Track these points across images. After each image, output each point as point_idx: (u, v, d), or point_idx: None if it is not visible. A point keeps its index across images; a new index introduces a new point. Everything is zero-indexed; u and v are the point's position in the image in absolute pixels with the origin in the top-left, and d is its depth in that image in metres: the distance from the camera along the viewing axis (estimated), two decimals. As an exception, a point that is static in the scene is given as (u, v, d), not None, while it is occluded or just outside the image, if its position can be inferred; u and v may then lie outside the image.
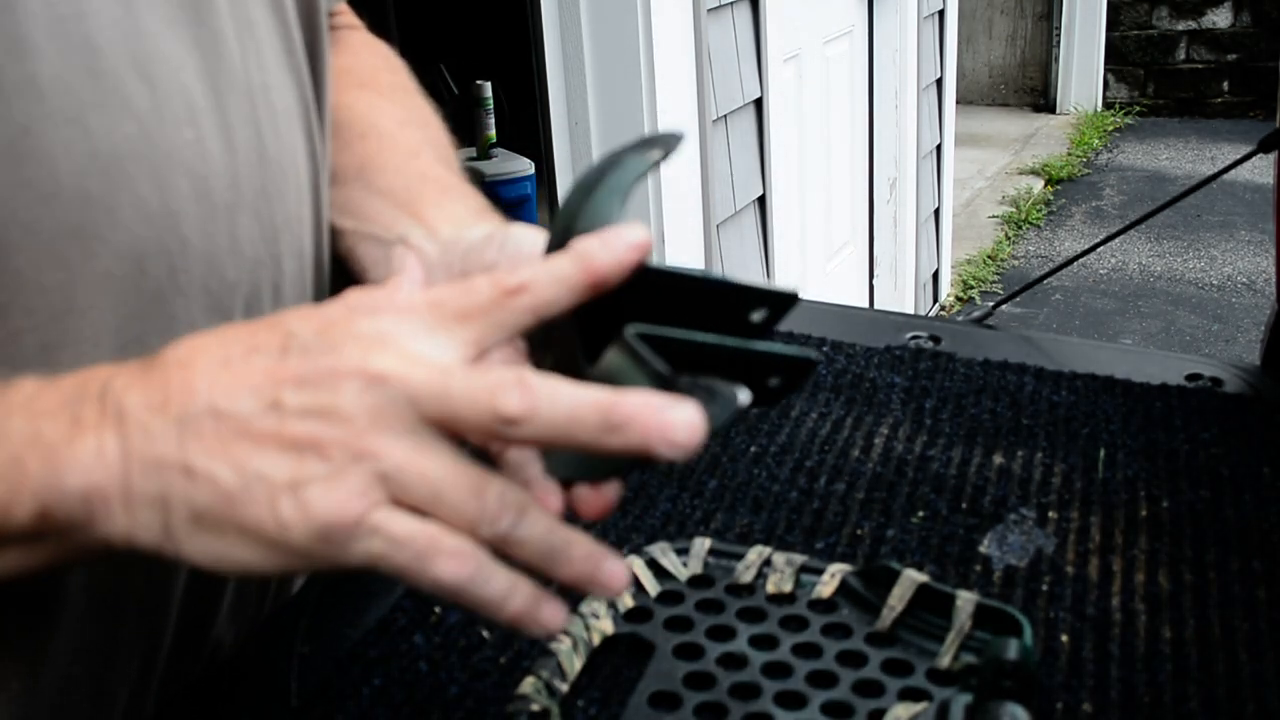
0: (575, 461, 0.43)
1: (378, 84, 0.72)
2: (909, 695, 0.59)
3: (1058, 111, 6.76)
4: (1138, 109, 6.80)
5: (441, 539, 0.39)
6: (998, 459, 0.81)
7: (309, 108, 0.63)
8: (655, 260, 0.45)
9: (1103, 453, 0.81)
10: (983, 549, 0.72)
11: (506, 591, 0.40)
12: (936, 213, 4.00)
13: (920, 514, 0.75)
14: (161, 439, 0.40)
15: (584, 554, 0.41)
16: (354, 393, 0.39)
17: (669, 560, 0.69)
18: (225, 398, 0.39)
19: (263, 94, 0.58)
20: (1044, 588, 0.68)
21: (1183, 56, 6.71)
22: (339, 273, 0.68)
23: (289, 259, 0.61)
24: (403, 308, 0.41)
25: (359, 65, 0.74)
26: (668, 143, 0.49)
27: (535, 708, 0.58)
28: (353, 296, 0.43)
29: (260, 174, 0.58)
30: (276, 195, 0.59)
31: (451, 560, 0.39)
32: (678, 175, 2.26)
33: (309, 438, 0.39)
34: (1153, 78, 6.80)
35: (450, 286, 0.42)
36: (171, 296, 0.53)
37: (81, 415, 0.41)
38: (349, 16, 0.78)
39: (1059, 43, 6.68)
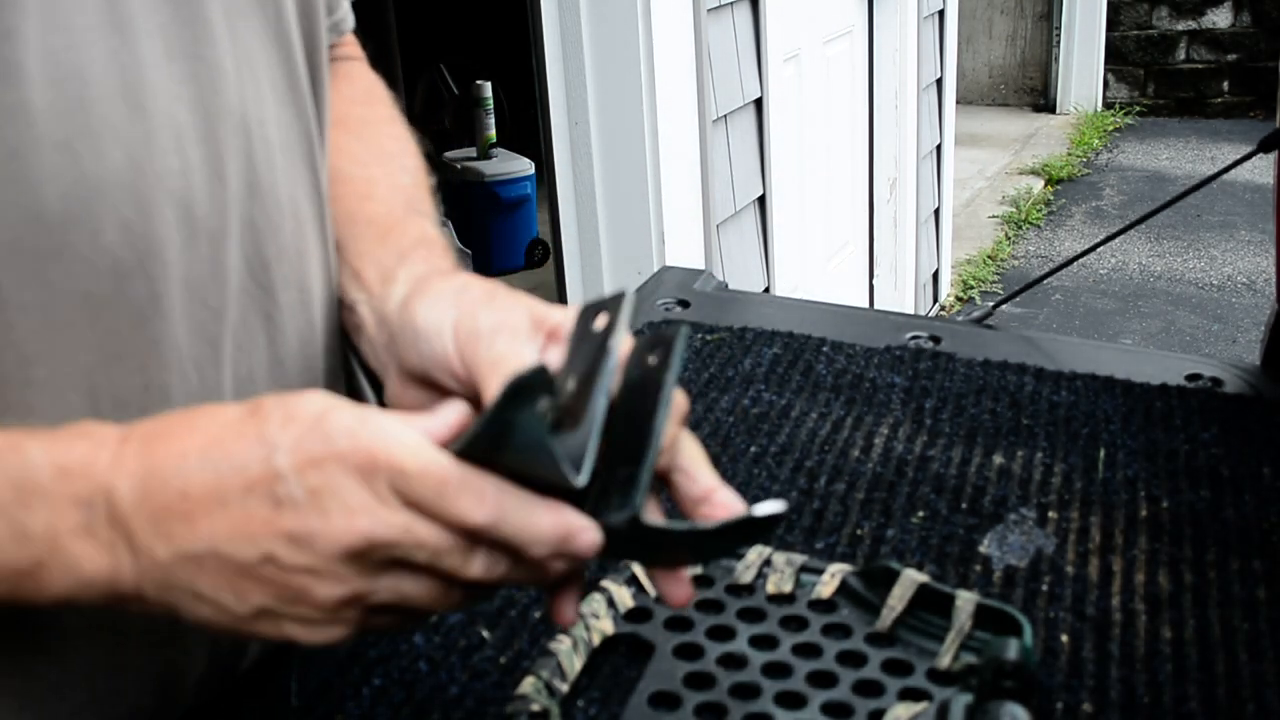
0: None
1: (347, 120, 0.72)
2: (909, 695, 0.59)
3: (1058, 111, 6.76)
4: (1138, 109, 6.80)
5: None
6: (998, 459, 0.81)
7: (313, 143, 0.64)
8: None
9: (1103, 453, 0.81)
10: (983, 549, 0.72)
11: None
12: (936, 213, 4.00)
13: (920, 514, 0.75)
14: (169, 567, 0.46)
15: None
16: (340, 558, 0.45)
17: (669, 560, 0.69)
18: (227, 543, 0.45)
19: (259, 127, 0.59)
20: (1044, 588, 0.68)
21: (1183, 56, 6.71)
22: None
23: (285, 291, 0.61)
24: (381, 469, 0.44)
25: (335, 100, 0.74)
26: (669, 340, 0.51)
27: (535, 708, 0.58)
28: (343, 424, 0.45)
29: (250, 205, 0.58)
30: (268, 227, 0.60)
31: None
32: (678, 175, 2.26)
33: (303, 591, 0.45)
34: (1153, 78, 6.80)
35: (430, 482, 0.45)
36: (153, 318, 0.54)
37: (94, 526, 0.45)
38: (352, 48, 0.78)
39: (1059, 43, 6.68)
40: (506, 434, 0.44)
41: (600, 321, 0.49)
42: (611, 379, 0.47)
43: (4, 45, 0.47)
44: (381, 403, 0.75)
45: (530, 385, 0.43)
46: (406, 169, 0.71)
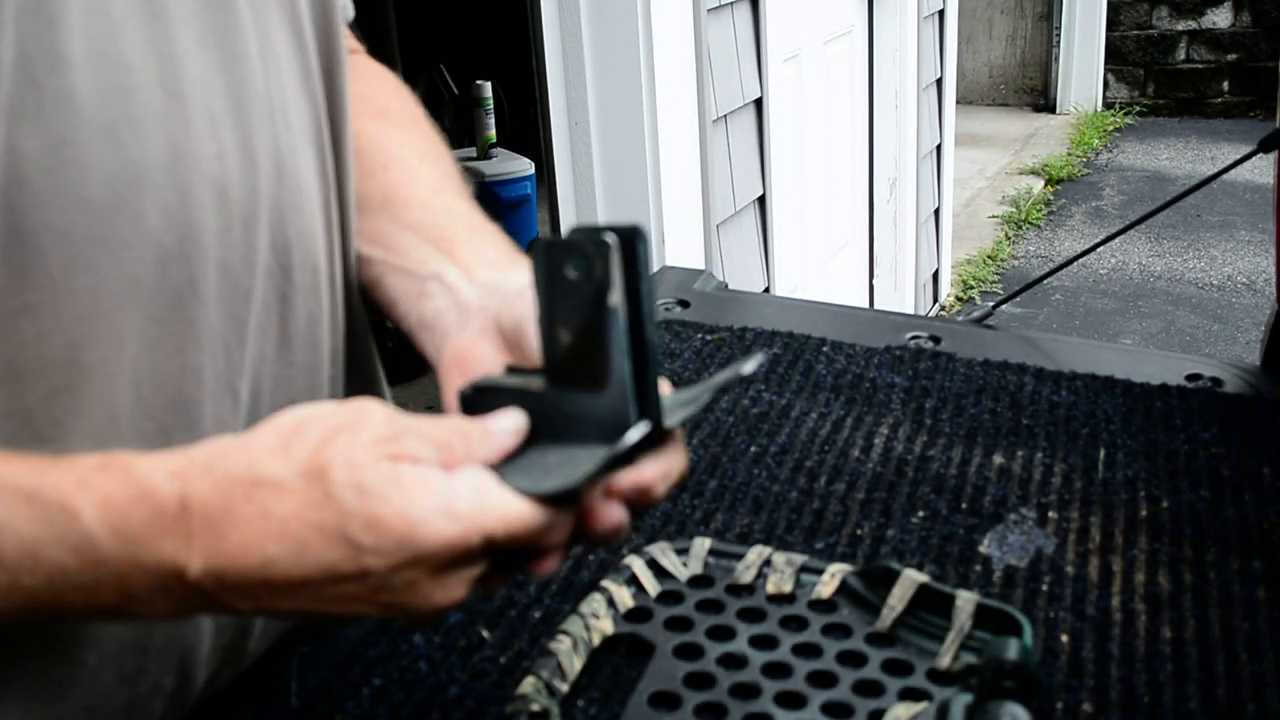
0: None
1: (393, 114, 0.75)
2: (909, 695, 0.59)
3: (1058, 111, 6.76)
4: (1138, 109, 6.80)
5: None
6: (998, 459, 0.81)
7: (321, 129, 0.65)
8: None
9: (1103, 453, 0.81)
10: (983, 549, 0.72)
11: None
12: (936, 213, 4.00)
13: (920, 514, 0.75)
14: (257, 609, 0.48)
15: None
16: (429, 606, 0.48)
17: (669, 560, 0.69)
18: (322, 605, 0.47)
19: (281, 113, 0.61)
20: (1044, 588, 0.68)
21: (1183, 56, 6.71)
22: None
23: (300, 272, 0.63)
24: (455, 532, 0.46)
25: (373, 94, 0.76)
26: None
27: (535, 708, 0.58)
28: (431, 529, 0.46)
29: (277, 188, 0.60)
30: (290, 209, 0.61)
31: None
32: (678, 175, 2.26)
33: (409, 608, 0.48)
34: (1153, 78, 6.80)
35: (520, 540, 0.47)
36: (190, 302, 0.55)
37: (169, 590, 0.46)
38: (352, 41, 0.79)
39: (1059, 43, 6.68)
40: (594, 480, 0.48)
41: (580, 273, 0.47)
42: (623, 339, 0.47)
43: (49, 34, 0.48)
44: (390, 373, 0.77)
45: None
46: (456, 173, 0.73)
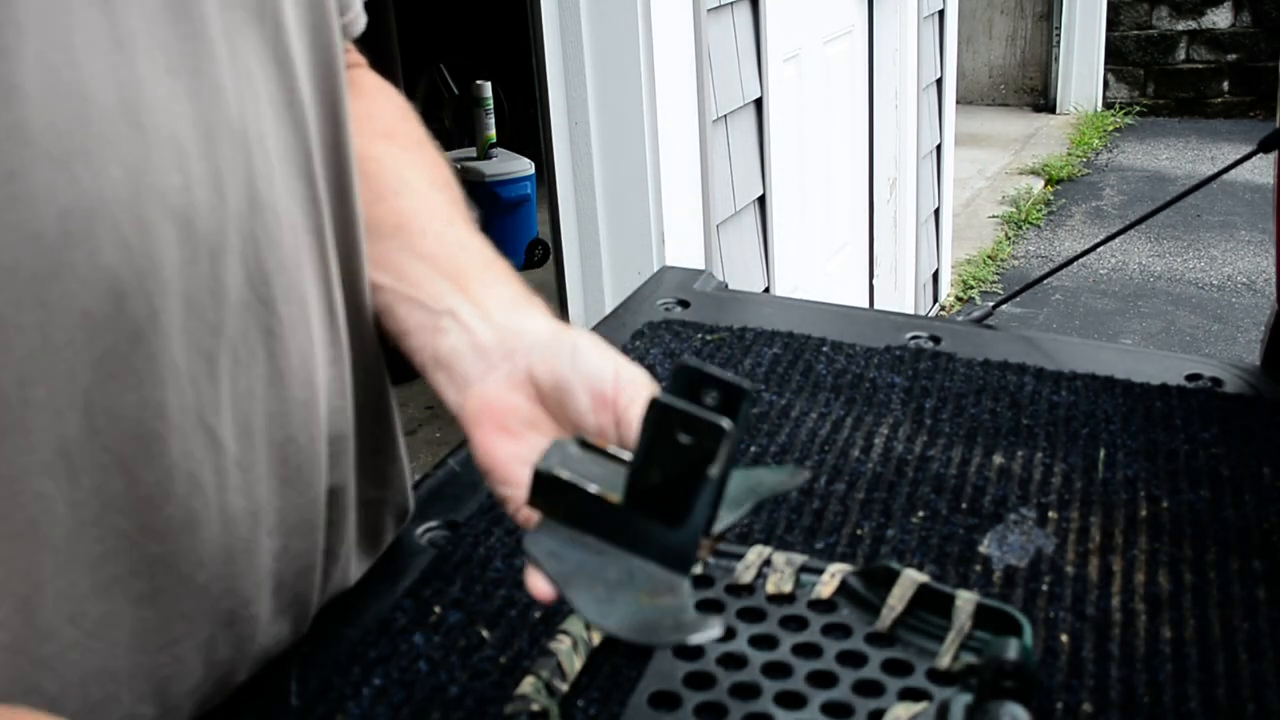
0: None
1: (400, 135, 0.74)
2: (909, 695, 0.59)
3: (1058, 111, 6.76)
4: (1138, 109, 6.80)
5: None
6: (998, 459, 0.81)
7: (311, 155, 0.64)
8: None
9: (1103, 453, 0.81)
10: (983, 549, 0.72)
11: None
12: (936, 213, 4.01)
13: (920, 514, 0.75)
14: None
15: None
16: None
17: (669, 560, 0.69)
18: None
19: (258, 142, 0.59)
20: (1044, 588, 0.68)
21: (1183, 56, 6.71)
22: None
23: (285, 304, 0.61)
24: None
25: (378, 114, 0.75)
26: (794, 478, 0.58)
27: (535, 708, 0.58)
28: None
29: (250, 219, 0.58)
30: (268, 241, 0.60)
31: None
32: (678, 175, 2.26)
33: None
34: (1153, 78, 6.80)
35: None
36: (151, 336, 0.54)
37: None
38: (354, 55, 0.78)
39: (1059, 43, 6.68)
40: None
41: (690, 440, 0.50)
42: (710, 498, 0.51)
43: (1, 65, 0.47)
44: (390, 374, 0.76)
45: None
46: (460, 199, 0.73)
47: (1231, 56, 6.58)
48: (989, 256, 4.73)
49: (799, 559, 0.69)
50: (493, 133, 4.13)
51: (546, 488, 0.53)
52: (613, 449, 0.55)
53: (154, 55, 0.53)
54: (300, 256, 0.63)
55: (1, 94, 0.47)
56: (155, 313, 0.54)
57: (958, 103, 4.40)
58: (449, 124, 4.60)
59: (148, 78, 0.53)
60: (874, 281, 3.49)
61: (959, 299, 4.38)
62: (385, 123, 0.74)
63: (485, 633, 0.66)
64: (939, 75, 3.80)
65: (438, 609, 0.68)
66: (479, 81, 4.11)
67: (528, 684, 0.60)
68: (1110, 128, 6.50)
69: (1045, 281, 4.23)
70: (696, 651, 0.63)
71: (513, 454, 0.59)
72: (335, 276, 0.66)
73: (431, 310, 0.64)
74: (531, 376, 0.60)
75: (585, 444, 0.55)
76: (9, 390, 0.50)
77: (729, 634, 0.64)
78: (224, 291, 0.57)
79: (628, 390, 0.57)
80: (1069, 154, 5.98)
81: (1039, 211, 5.21)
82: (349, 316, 0.67)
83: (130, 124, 0.52)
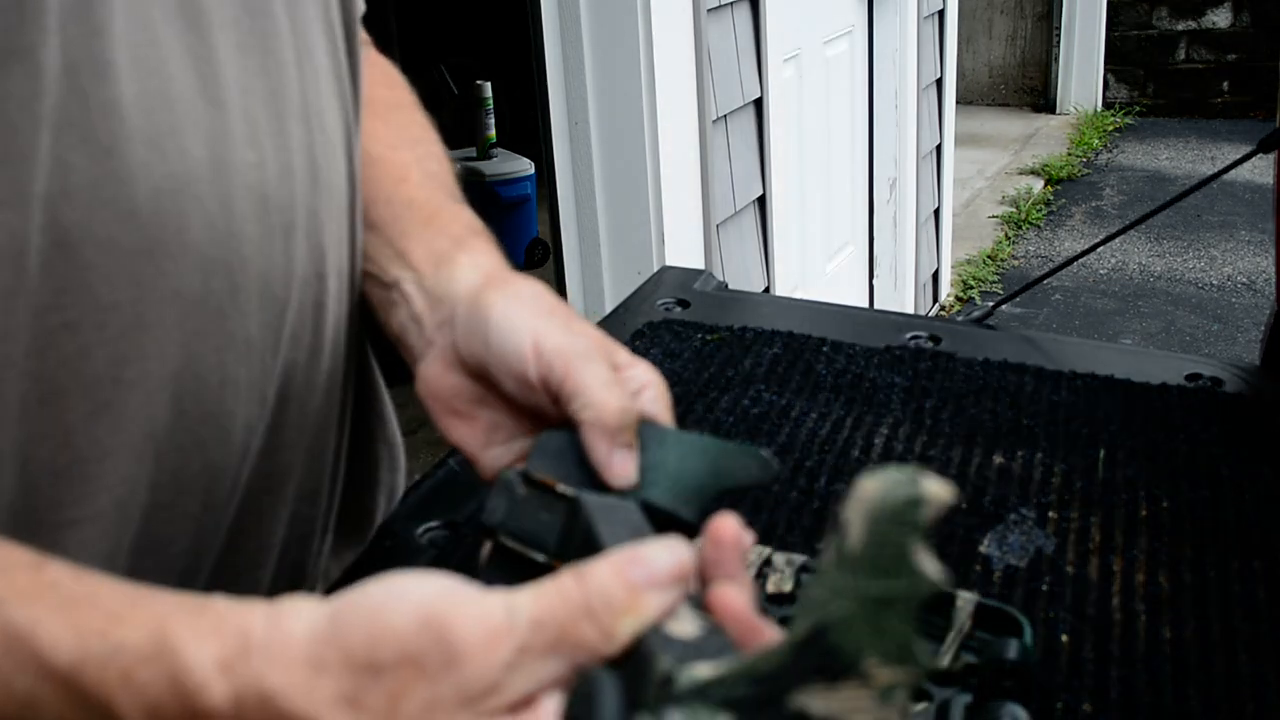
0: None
1: (373, 104, 0.73)
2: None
3: (1058, 111, 6.77)
4: (1138, 109, 6.80)
5: None
6: (998, 459, 0.81)
7: (351, 131, 0.64)
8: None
9: (1103, 453, 0.81)
10: (983, 549, 0.72)
11: None
12: (936, 213, 4.01)
13: (920, 514, 0.75)
14: None
15: None
16: None
17: (669, 560, 0.69)
18: None
19: (317, 118, 0.59)
20: (1044, 588, 0.68)
21: (1183, 56, 6.71)
22: None
23: (333, 278, 0.62)
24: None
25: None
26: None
27: (535, 708, 0.58)
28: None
29: (312, 196, 0.59)
30: (325, 216, 0.60)
31: None
32: (678, 175, 2.26)
33: None
34: (1153, 78, 6.80)
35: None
36: (230, 313, 0.54)
37: None
38: (361, 33, 0.79)
39: (1059, 43, 6.68)
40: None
41: (550, 497, 0.49)
42: (631, 525, 0.49)
43: (95, 42, 0.47)
44: (389, 373, 0.76)
45: None
46: (435, 155, 0.71)
47: (1231, 56, 6.58)
48: (989, 256, 4.73)
49: (799, 559, 0.69)
50: (493, 133, 4.13)
51: (496, 558, 0.50)
52: (561, 487, 0.50)
53: (225, 32, 0.53)
54: (344, 231, 0.63)
55: (98, 70, 0.47)
56: (236, 290, 0.54)
57: (958, 103, 4.40)
58: (449, 124, 4.60)
59: (221, 55, 0.53)
60: (874, 281, 3.49)
61: (959, 299, 4.38)
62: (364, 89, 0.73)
63: (485, 633, 0.66)
64: (939, 75, 3.80)
65: (438, 609, 0.68)
66: (479, 81, 4.11)
67: (528, 684, 0.59)
68: (1110, 128, 6.50)
69: (1045, 281, 4.23)
70: (696, 651, 0.63)
71: (467, 437, 0.58)
72: (358, 251, 0.66)
73: (384, 284, 0.63)
74: (459, 356, 0.58)
75: (531, 481, 0.51)
76: (102, 371, 0.49)
77: (729, 634, 0.64)
78: (292, 267, 0.57)
79: (556, 366, 0.53)
80: (1069, 154, 5.98)
81: (1039, 211, 5.21)
82: (359, 289, 0.67)
83: (209, 101, 0.52)
